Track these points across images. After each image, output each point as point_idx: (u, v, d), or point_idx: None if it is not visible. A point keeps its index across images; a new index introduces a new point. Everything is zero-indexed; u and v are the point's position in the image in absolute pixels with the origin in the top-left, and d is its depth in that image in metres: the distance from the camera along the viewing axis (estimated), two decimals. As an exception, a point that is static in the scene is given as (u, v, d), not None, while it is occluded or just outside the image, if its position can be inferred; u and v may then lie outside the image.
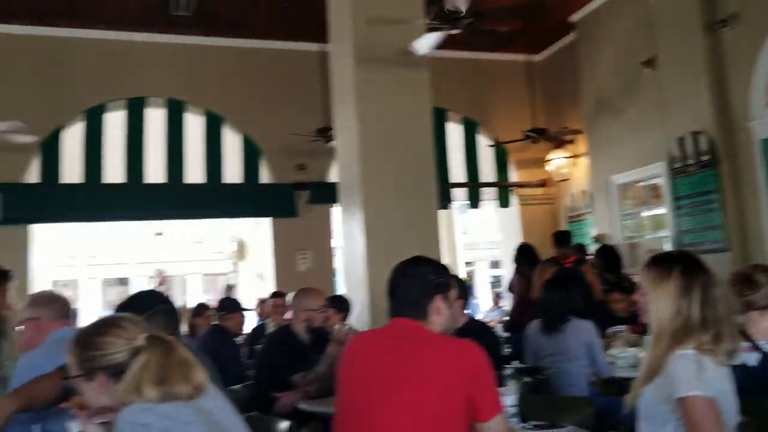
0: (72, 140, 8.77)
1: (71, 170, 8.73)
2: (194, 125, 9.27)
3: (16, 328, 3.05)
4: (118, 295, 20.05)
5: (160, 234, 14.24)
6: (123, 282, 21.93)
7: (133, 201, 8.91)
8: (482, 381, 2.08)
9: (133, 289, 20.27)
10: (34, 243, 8.76)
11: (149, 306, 2.43)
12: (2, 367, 4.62)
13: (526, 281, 7.07)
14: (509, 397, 2.60)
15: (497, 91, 10.45)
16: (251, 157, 9.43)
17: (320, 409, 3.40)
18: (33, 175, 8.60)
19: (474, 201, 10.27)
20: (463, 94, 10.12)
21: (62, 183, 8.67)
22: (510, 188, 10.41)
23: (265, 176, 9.47)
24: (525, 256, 7.40)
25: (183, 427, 1.73)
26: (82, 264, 20.46)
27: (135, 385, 1.74)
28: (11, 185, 8.28)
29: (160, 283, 9.71)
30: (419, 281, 2.23)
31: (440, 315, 2.24)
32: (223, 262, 20.71)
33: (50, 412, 2.29)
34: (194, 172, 9.17)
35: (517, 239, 9.66)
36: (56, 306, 2.92)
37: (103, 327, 1.92)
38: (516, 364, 4.09)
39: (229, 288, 9.86)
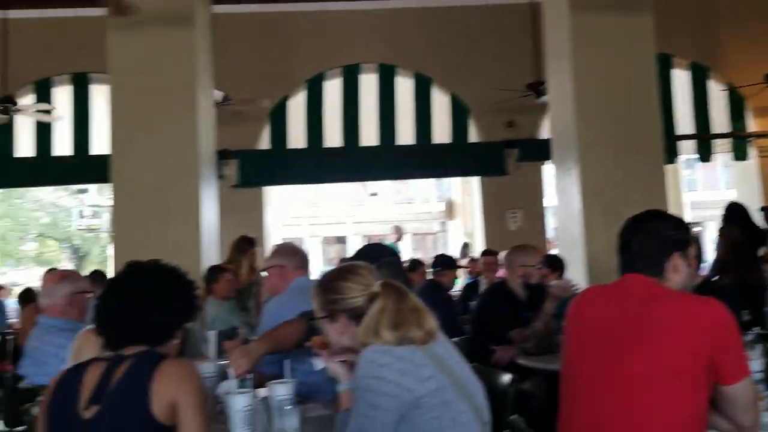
0: (296, 108, 9.49)
1: (296, 136, 9.46)
2: (404, 88, 9.53)
3: (262, 273, 3.38)
4: (336, 253, 21.51)
5: (375, 194, 14.92)
6: (341, 240, 23.47)
7: (350, 163, 9.43)
8: (728, 341, 1.92)
9: (350, 247, 21.60)
10: (268, 204, 9.69)
11: (376, 258, 2.56)
12: (250, 318, 5.23)
13: (729, 243, 6.25)
14: (755, 362, 2.35)
15: (732, 31, 9.33)
16: (459, 116, 9.48)
17: (541, 365, 3.38)
18: (264, 141, 9.46)
19: (704, 154, 9.37)
20: (690, 38, 9.19)
21: (289, 148, 9.44)
22: (748, 139, 9.32)
23: (473, 135, 9.48)
24: (734, 215, 6.52)
25: (417, 369, 1.82)
26: (306, 223, 22.19)
27: (374, 328, 1.86)
28: (246, 152, 9.17)
29: (398, 239, 10.22)
30: (656, 237, 2.09)
31: (678, 273, 2.09)
32: (432, 221, 21.27)
33: (296, 351, 2.52)
34: (405, 134, 9.46)
35: (754, 196, 8.68)
36: (298, 257, 3.20)
37: (343, 274, 2.08)
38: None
39: (465, 246, 10.07)
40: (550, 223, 9.47)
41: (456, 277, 5.53)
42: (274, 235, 10.21)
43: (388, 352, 1.82)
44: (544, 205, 9.45)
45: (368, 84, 9.52)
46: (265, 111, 9.09)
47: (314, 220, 22.74)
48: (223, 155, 8.06)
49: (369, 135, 9.44)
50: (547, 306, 3.72)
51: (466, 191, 11.53)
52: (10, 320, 7.36)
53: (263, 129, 9.40)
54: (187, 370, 1.84)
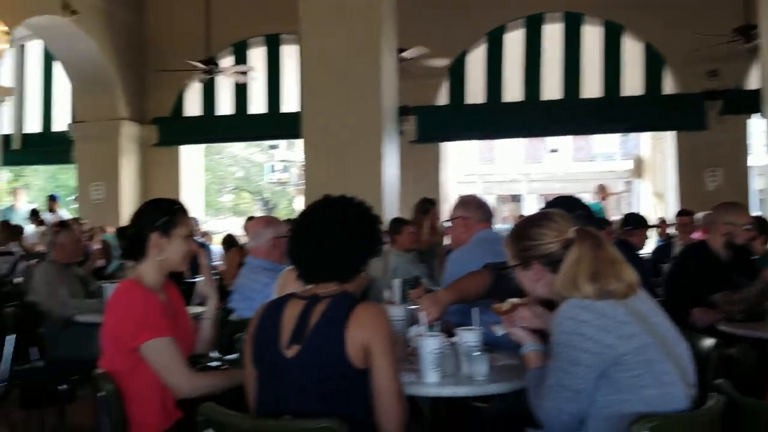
0: (475, 63, 9.35)
1: (475, 91, 9.35)
2: (592, 37, 9.01)
3: (445, 224, 3.41)
4: (510, 212, 21.20)
5: (555, 151, 14.32)
6: (515, 199, 23.06)
7: (531, 118, 9.18)
8: None
9: (525, 205, 21.16)
10: (445, 160, 9.75)
11: (570, 210, 2.46)
12: (433, 274, 5.33)
13: None
14: None
15: None
16: (653, 66, 8.82)
17: (749, 332, 3.10)
18: (443, 97, 9.46)
19: None
20: None
21: (467, 104, 9.36)
22: None
23: (668, 86, 8.77)
24: None
25: (619, 326, 1.73)
26: (479, 181, 22.04)
27: (572, 280, 1.79)
28: (424, 108, 9.25)
29: (602, 198, 9.83)
30: None
31: None
32: (616, 180, 20.15)
33: (482, 302, 2.52)
34: (591, 87, 8.98)
35: None
36: (482, 210, 3.19)
37: (536, 220, 2.02)
38: None
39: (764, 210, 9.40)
40: (755, 184, 8.58)
41: (647, 237, 5.19)
42: (449, 192, 10.27)
43: (588, 308, 1.75)
44: (748, 163, 8.57)
45: (552, 34, 9.12)
46: (444, 66, 9.07)
47: (488, 178, 22.50)
48: (402, 111, 8.19)
49: (552, 88, 9.10)
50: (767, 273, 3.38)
51: (658, 147, 10.77)
52: (214, 263, 8.15)
53: (442, 84, 9.40)
54: (379, 315, 1.87)
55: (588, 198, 9.77)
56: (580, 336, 1.72)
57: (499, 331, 2.12)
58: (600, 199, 10.09)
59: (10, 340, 3.55)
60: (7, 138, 10.03)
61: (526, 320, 2.05)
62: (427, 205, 5.89)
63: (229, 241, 7.37)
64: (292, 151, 23.40)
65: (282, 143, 23.59)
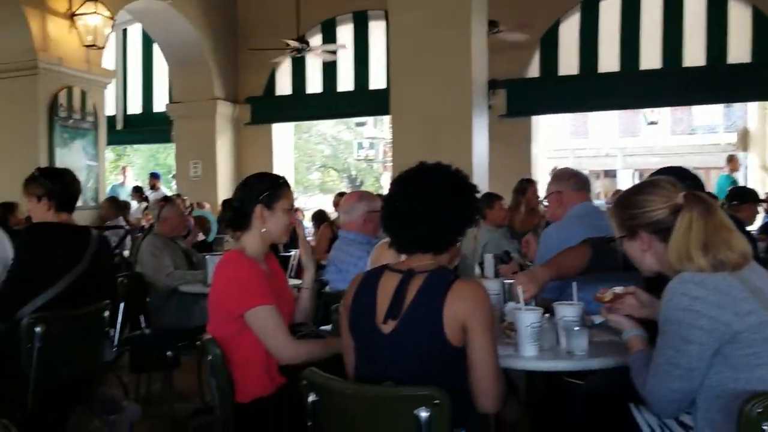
0: (568, 33, 9.02)
1: (568, 62, 9.04)
2: (694, 1, 8.50)
3: (543, 202, 3.32)
4: (603, 188, 20.49)
5: (654, 123, 13.57)
6: (609, 174, 22.28)
7: (628, 89, 8.80)
8: None
9: (621, 181, 20.41)
10: (536, 134, 9.51)
11: (679, 180, 2.35)
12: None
13: None
14: None
15: None
16: (762, 30, 8.22)
17: None
18: (534, 69, 9.20)
19: None
20: None
21: (560, 75, 9.07)
22: None
23: (779, 52, 8.19)
24: None
25: (735, 303, 1.64)
26: (571, 156, 21.39)
27: (685, 251, 1.70)
28: (514, 81, 9.02)
29: (732, 170, 9.39)
30: None
31: None
32: (718, 154, 19.10)
33: (580, 278, 2.45)
34: (694, 54, 8.49)
35: None
36: (574, 180, 3.09)
37: (643, 188, 1.92)
38: None
39: None
40: None
41: (757, 213, 4.90)
42: (540, 168, 10.03)
43: (701, 284, 1.66)
44: None
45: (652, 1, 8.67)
46: (535, 37, 8.80)
47: (580, 153, 21.84)
48: (491, 85, 8.02)
49: (651, 57, 8.66)
50: None
51: (765, 118, 10.11)
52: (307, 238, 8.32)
53: (533, 56, 9.14)
54: (478, 292, 1.81)
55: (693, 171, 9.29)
56: (694, 313, 1.64)
57: (597, 320, 2.05)
58: (729, 171, 9.57)
59: (121, 308, 3.77)
60: (111, 119, 10.57)
61: (632, 309, 1.98)
62: (525, 183, 5.80)
63: (320, 217, 7.52)
64: (378, 129, 23.52)
65: (369, 121, 23.76)
